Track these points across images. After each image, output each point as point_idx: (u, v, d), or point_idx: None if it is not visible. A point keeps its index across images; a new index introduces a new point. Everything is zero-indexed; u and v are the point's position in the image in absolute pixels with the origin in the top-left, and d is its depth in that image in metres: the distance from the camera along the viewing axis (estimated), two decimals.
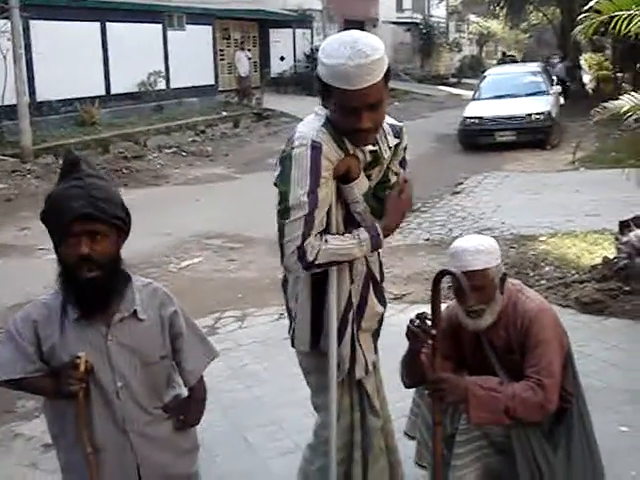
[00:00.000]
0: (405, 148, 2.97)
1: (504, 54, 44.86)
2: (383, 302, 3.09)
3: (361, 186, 2.80)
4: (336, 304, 2.87)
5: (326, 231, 2.74)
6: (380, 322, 3.12)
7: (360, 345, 2.98)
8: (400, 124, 2.95)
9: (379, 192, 2.86)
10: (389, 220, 2.84)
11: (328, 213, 2.74)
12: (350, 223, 2.82)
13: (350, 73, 2.53)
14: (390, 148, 2.86)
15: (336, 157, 2.70)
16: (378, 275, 3.04)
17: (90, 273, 2.37)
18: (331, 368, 2.91)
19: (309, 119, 2.81)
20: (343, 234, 2.76)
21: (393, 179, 2.91)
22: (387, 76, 2.64)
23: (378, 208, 2.83)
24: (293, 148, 2.68)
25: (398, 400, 3.57)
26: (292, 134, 2.76)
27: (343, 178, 2.76)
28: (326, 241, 2.68)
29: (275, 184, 2.75)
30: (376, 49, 2.58)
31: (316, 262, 2.67)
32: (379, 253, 3.03)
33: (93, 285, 2.39)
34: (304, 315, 2.93)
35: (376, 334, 3.12)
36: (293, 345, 3.04)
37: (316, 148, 2.65)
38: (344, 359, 2.94)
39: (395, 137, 2.89)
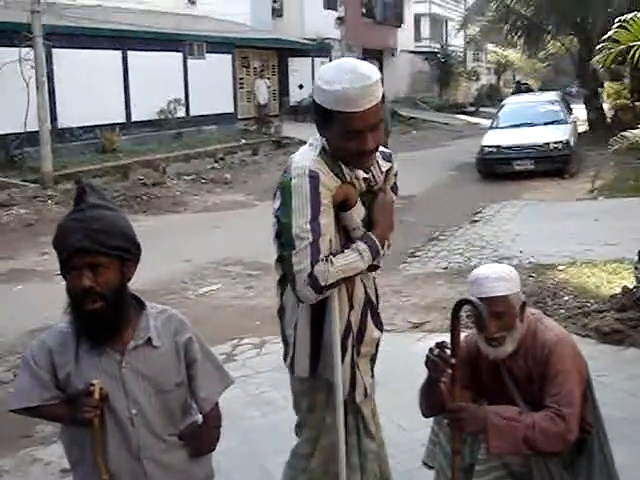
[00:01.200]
0: (396, 174, 3.03)
1: (518, 83, 44.86)
2: (380, 327, 3.11)
3: (359, 212, 2.84)
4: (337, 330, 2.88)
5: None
6: (377, 347, 3.13)
7: (359, 370, 3.00)
8: (389, 150, 3.03)
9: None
10: (379, 227, 2.86)
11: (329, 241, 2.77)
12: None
13: (355, 96, 2.62)
14: (382, 173, 2.92)
15: (334, 185, 2.74)
16: (374, 300, 3.07)
17: (94, 305, 2.40)
18: (337, 391, 2.91)
19: (304, 149, 2.86)
20: (343, 251, 2.77)
21: None
22: (383, 97, 2.73)
23: None
24: (291, 179, 2.71)
25: (416, 429, 3.56)
26: (288, 165, 2.80)
27: (341, 206, 2.80)
28: (332, 262, 2.70)
29: (276, 216, 2.79)
30: (374, 72, 2.69)
31: (327, 285, 2.69)
32: (374, 279, 3.06)
33: (97, 316, 2.42)
34: (304, 341, 2.93)
35: (373, 359, 3.13)
36: (292, 372, 3.03)
37: (314, 177, 2.69)
38: (344, 383, 2.95)
39: (387, 161, 2.96)
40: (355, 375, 2.98)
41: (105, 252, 2.41)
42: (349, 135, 2.68)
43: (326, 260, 2.69)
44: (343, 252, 2.77)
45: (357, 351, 2.98)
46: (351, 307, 2.93)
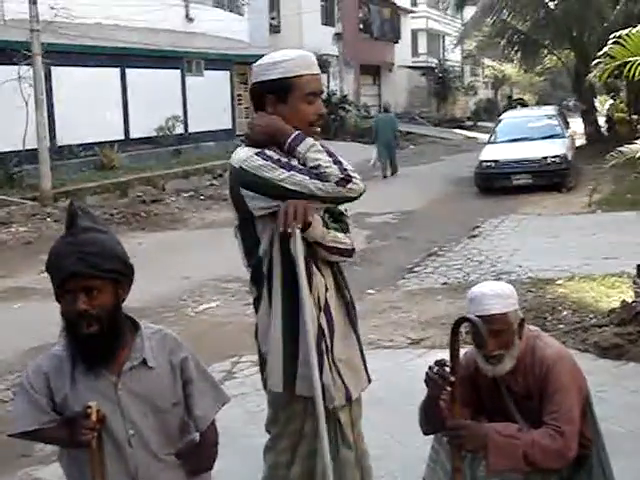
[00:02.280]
0: None
1: (510, 98, 44.71)
2: (354, 324, 3.11)
3: (316, 228, 2.90)
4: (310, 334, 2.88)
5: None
6: (361, 351, 3.13)
7: (340, 374, 2.99)
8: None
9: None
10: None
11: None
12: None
13: (310, 59, 2.98)
14: None
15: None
16: (347, 295, 3.08)
17: (89, 329, 2.41)
18: (317, 396, 2.89)
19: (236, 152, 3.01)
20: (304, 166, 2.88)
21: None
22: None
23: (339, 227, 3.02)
24: (241, 167, 2.87)
25: (417, 446, 3.55)
26: (230, 169, 2.97)
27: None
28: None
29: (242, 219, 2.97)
30: None
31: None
32: (341, 274, 3.07)
33: (93, 340, 2.43)
34: (277, 353, 2.95)
35: (363, 358, 3.13)
36: (265, 386, 3.05)
37: (260, 152, 2.87)
38: (328, 387, 2.95)
39: None
40: (334, 379, 2.97)
41: (99, 275, 2.42)
42: (308, 99, 2.93)
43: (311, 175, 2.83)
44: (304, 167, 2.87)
45: (332, 354, 2.97)
46: (319, 310, 2.94)
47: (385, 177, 20.50)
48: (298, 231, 2.79)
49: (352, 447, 3.07)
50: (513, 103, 38.66)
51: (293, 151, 2.89)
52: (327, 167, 2.83)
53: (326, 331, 2.95)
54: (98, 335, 2.42)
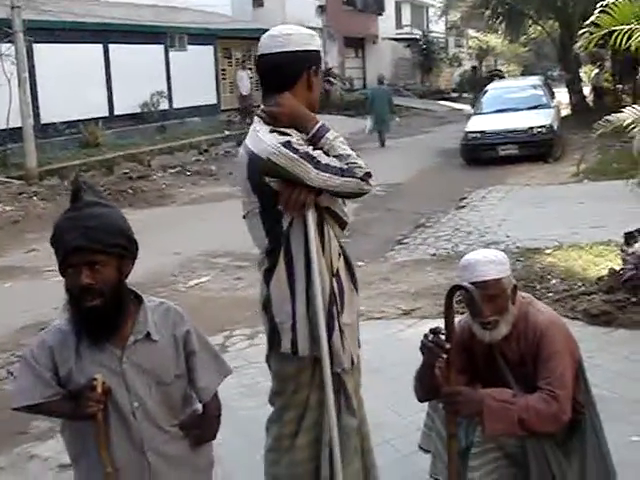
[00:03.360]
0: None
1: (490, 72, 44.30)
2: (356, 289, 3.17)
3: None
4: (323, 300, 2.95)
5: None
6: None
7: (346, 337, 3.04)
8: None
9: None
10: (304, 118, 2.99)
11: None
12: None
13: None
14: None
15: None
16: (350, 261, 3.14)
17: (92, 302, 2.42)
18: (324, 363, 2.97)
19: (252, 136, 2.97)
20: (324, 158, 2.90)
21: None
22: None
23: None
24: (271, 160, 2.83)
25: (411, 414, 3.60)
26: (249, 157, 2.92)
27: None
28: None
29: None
30: None
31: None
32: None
33: (96, 313, 2.44)
34: (302, 319, 2.98)
35: (357, 327, 3.19)
36: (295, 353, 3.02)
37: (287, 144, 2.84)
38: (337, 352, 3.00)
39: None
40: (343, 343, 3.02)
41: (102, 250, 2.43)
42: (317, 75, 3.03)
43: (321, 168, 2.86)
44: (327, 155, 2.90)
45: (341, 318, 3.02)
46: (332, 275, 3.00)
47: (383, 146, 21.10)
48: (310, 211, 2.90)
49: (355, 414, 3.12)
50: (493, 76, 38.36)
51: (318, 140, 2.91)
52: (356, 160, 2.90)
53: (337, 296, 3.00)
54: (101, 309, 2.44)
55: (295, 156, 2.82)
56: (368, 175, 2.91)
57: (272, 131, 2.90)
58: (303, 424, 3.11)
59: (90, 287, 2.41)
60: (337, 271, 3.03)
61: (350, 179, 2.87)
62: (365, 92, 23.08)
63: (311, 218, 2.92)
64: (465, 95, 42.35)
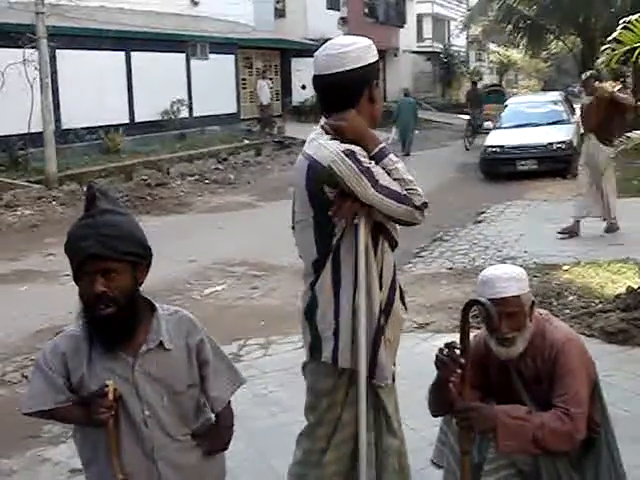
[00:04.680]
0: None
1: (488, 87, 43.92)
2: (405, 306, 3.16)
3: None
4: (369, 312, 2.93)
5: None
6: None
7: (386, 353, 3.03)
8: None
9: None
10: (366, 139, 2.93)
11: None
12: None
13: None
14: None
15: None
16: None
17: (106, 310, 2.42)
18: (361, 377, 2.96)
19: (313, 142, 2.92)
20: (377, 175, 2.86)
21: None
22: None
23: None
24: (331, 168, 2.79)
25: (424, 428, 3.57)
26: (310, 162, 2.87)
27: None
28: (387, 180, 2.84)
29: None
30: None
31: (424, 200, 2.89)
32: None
33: (110, 322, 2.44)
34: (346, 331, 2.96)
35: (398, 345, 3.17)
36: (335, 363, 2.99)
37: (351, 153, 2.80)
38: (385, 365, 3.00)
39: None
40: (382, 357, 3.00)
41: (117, 258, 2.43)
42: (377, 86, 2.92)
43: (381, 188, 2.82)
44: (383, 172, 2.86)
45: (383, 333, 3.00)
46: (380, 287, 2.97)
47: (407, 155, 21.29)
48: (362, 221, 2.88)
49: (397, 435, 3.11)
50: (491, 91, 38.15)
51: (378, 161, 2.87)
52: (416, 187, 2.87)
53: (383, 310, 2.98)
54: (115, 317, 2.43)
55: (356, 168, 2.78)
56: (425, 205, 2.88)
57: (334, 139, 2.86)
58: (333, 441, 3.09)
59: (104, 295, 2.40)
60: (390, 285, 3.01)
61: (406, 207, 2.83)
62: (393, 103, 23.42)
63: (362, 228, 2.88)
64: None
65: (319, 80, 2.90)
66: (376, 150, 2.88)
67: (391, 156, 2.89)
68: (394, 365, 3.14)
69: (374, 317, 2.96)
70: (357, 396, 3.00)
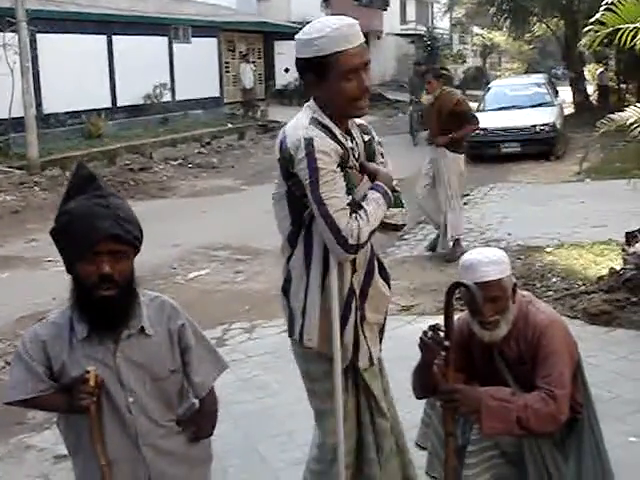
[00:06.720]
0: (380, 144, 3.13)
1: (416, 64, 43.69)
2: (389, 285, 3.14)
3: (365, 186, 2.93)
4: (338, 292, 2.89)
5: None
6: (385, 316, 3.15)
7: (365, 335, 3.00)
8: (364, 122, 3.09)
9: None
10: (380, 175, 2.96)
11: None
12: None
13: (348, 32, 2.77)
14: (365, 142, 3.01)
15: (331, 149, 2.77)
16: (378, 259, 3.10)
17: (107, 291, 2.40)
18: (335, 356, 2.93)
19: (295, 121, 2.89)
20: (360, 207, 2.82)
21: None
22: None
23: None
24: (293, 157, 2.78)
25: (409, 411, 3.58)
26: (282, 136, 2.87)
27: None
28: (359, 219, 2.78)
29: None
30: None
31: (360, 243, 2.77)
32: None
33: (107, 303, 2.41)
34: (313, 310, 2.93)
35: (382, 329, 3.15)
36: (300, 341, 2.98)
37: (310, 145, 2.74)
38: (347, 346, 2.96)
39: (365, 134, 3.04)
40: (359, 340, 2.98)
41: (130, 241, 2.43)
42: (349, 75, 2.76)
43: (353, 217, 2.77)
44: (362, 209, 2.81)
45: (362, 315, 2.98)
46: (354, 270, 2.94)
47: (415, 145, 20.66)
48: None
49: (386, 416, 3.11)
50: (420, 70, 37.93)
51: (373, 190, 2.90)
52: (364, 226, 2.79)
53: (356, 290, 2.96)
54: (112, 299, 2.41)
55: (306, 163, 2.75)
56: (351, 247, 2.76)
57: (312, 123, 2.82)
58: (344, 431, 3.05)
59: (109, 277, 2.39)
60: (365, 265, 2.97)
61: (330, 235, 2.76)
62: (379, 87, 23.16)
63: None
64: (469, 92, 42.31)
65: (296, 62, 2.91)
66: (372, 185, 2.92)
67: (377, 195, 2.88)
68: (379, 348, 3.13)
69: (343, 299, 2.92)
70: (332, 381, 2.96)
